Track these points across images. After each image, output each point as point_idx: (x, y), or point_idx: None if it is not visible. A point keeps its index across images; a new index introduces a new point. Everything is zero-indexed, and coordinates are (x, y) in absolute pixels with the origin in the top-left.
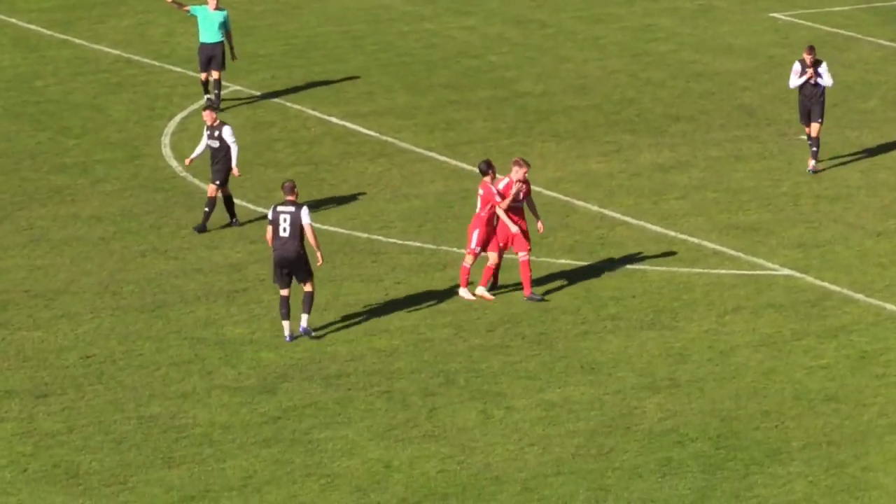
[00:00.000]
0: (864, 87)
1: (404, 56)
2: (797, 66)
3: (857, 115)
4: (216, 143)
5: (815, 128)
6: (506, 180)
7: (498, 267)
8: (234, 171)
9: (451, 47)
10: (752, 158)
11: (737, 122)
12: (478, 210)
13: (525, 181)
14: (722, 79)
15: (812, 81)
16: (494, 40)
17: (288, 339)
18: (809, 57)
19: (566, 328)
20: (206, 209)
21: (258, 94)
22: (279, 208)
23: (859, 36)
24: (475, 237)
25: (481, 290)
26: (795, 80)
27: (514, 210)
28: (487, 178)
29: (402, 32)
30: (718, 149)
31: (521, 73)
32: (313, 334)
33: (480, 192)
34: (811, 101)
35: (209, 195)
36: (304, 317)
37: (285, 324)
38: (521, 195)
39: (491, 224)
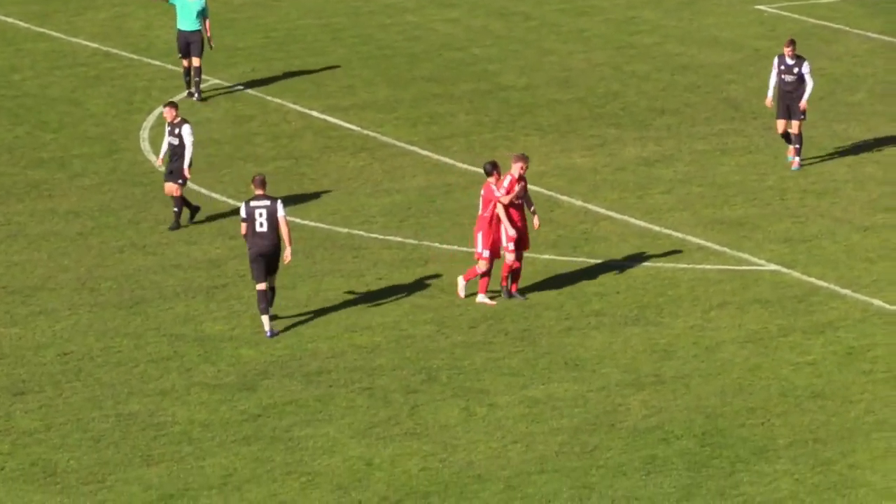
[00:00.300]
0: (851, 79)
1: (386, 49)
2: (776, 62)
3: (844, 108)
4: (176, 141)
5: (795, 125)
6: (508, 178)
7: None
8: (185, 172)
9: (433, 40)
10: (738, 152)
11: (722, 116)
12: (480, 211)
13: (523, 177)
14: (707, 71)
15: (784, 79)
16: (478, 33)
17: (269, 334)
18: (789, 50)
19: (549, 324)
20: (175, 209)
21: (238, 87)
22: (252, 203)
23: (846, 28)
24: (480, 240)
25: (481, 298)
26: (772, 79)
27: (517, 208)
28: (491, 180)
29: (383, 25)
30: (704, 142)
31: (505, 66)
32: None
33: (482, 192)
34: (791, 98)
35: (175, 195)
36: (268, 317)
37: (265, 319)
38: (522, 189)
39: (495, 225)
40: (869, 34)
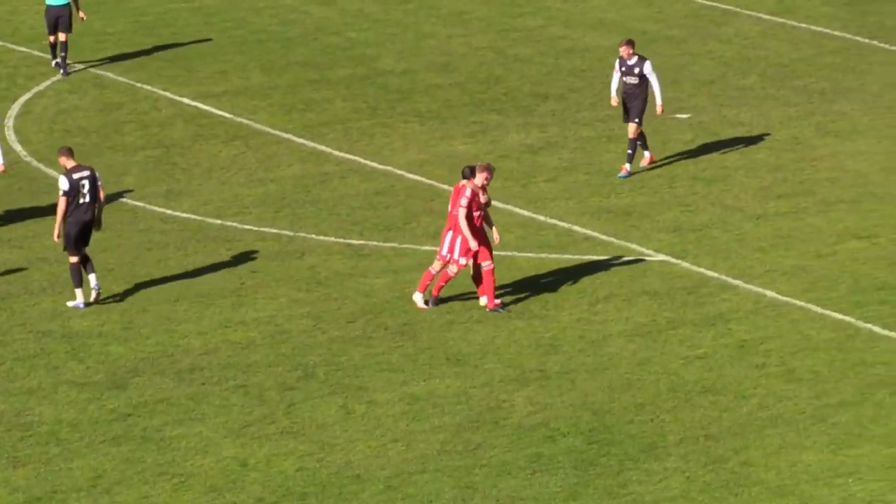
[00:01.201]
0: (742, 63)
1: (259, 33)
2: (617, 63)
3: (734, 92)
4: None
5: (631, 128)
6: (469, 190)
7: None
8: None
9: (308, 24)
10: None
11: (608, 101)
12: (450, 209)
13: (485, 188)
14: (593, 55)
15: (625, 80)
16: (354, 16)
17: (82, 306)
18: (627, 50)
19: (431, 318)
20: None
21: (106, 73)
22: (75, 175)
23: (737, 9)
24: (447, 243)
25: (418, 297)
26: (613, 81)
27: (481, 218)
28: (464, 182)
29: (256, 8)
30: (589, 129)
31: (382, 50)
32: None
33: (453, 191)
34: (632, 101)
35: None
36: (94, 276)
37: (79, 292)
38: (485, 202)
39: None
40: (761, 15)
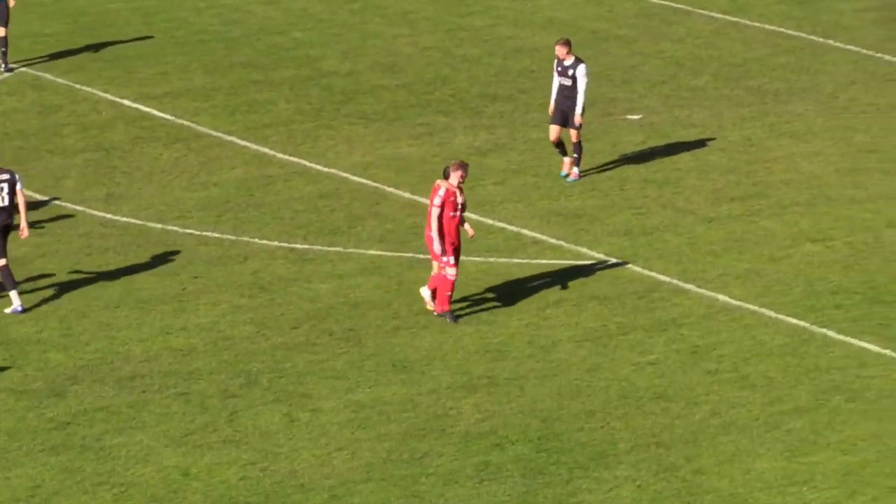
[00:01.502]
0: (694, 62)
1: (201, 33)
2: (555, 63)
3: (686, 92)
4: None
5: (573, 134)
6: (443, 189)
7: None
8: None
9: (251, 23)
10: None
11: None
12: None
13: (461, 187)
14: (542, 55)
15: (561, 82)
16: (298, 16)
17: (20, 309)
18: (562, 50)
19: (377, 324)
20: None
21: (44, 75)
22: None
23: (689, 8)
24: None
25: (425, 293)
26: (554, 83)
27: (453, 220)
28: (439, 181)
29: (198, 8)
30: (539, 130)
31: (327, 50)
32: None
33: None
34: (568, 104)
35: None
36: None
37: (14, 294)
38: (462, 202)
39: (449, 223)
40: (713, 14)
